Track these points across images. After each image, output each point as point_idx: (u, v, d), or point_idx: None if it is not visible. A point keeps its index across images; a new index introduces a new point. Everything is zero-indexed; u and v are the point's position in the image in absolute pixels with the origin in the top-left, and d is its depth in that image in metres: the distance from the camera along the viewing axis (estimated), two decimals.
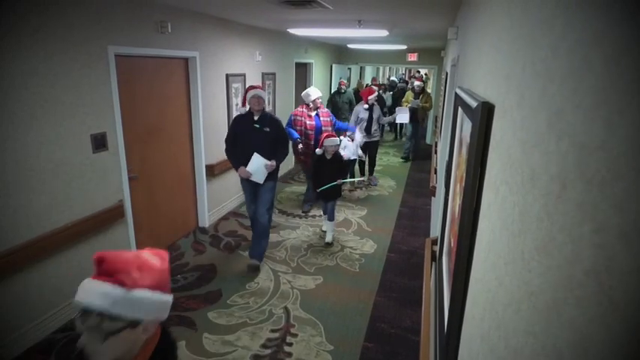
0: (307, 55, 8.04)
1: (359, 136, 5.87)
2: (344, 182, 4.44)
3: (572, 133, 0.41)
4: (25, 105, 2.58)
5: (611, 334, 0.29)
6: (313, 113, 5.11)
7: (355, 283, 3.76)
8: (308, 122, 5.08)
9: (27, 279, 2.73)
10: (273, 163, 3.71)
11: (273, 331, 3.03)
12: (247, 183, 3.82)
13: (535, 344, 0.46)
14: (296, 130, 5.09)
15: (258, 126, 3.66)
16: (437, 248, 2.44)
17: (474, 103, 1.07)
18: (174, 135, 4.31)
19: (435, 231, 3.45)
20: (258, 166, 3.69)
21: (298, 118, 5.12)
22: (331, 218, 4.56)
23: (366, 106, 6.35)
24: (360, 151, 5.88)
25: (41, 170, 2.73)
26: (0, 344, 2.60)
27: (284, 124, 4.72)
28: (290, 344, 2.89)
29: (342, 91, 8.36)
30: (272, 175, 3.83)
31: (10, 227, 2.57)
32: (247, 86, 3.83)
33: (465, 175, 1.14)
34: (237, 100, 5.35)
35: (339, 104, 8.36)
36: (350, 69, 11.46)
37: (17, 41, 2.48)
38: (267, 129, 3.68)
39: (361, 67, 12.92)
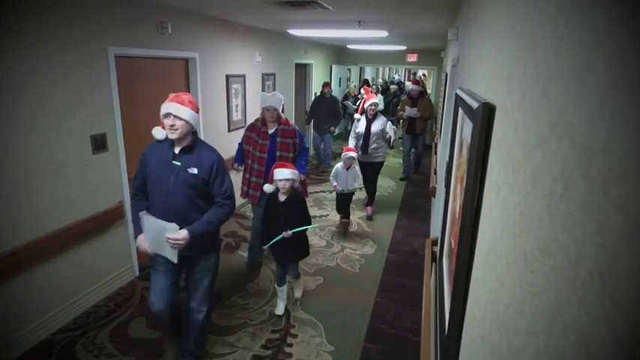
0: (307, 55, 8.05)
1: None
2: (297, 231, 3.01)
3: (574, 134, 0.41)
4: (25, 105, 2.58)
5: (614, 334, 0.30)
6: (271, 130, 3.57)
7: (355, 284, 3.76)
8: (260, 142, 3.57)
9: (28, 280, 2.73)
10: (182, 235, 2.12)
11: (273, 331, 3.03)
12: (161, 256, 2.28)
13: (537, 345, 0.46)
14: (245, 152, 3.67)
15: (178, 163, 2.22)
16: (437, 249, 2.44)
17: (474, 104, 1.07)
18: None
19: (435, 231, 3.45)
20: (153, 235, 2.18)
21: (249, 134, 3.65)
22: (297, 274, 3.40)
23: (358, 116, 5.14)
24: (358, 182, 4.66)
25: (42, 172, 2.73)
26: (1, 344, 2.60)
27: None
28: (290, 345, 2.89)
29: (327, 96, 7.19)
30: (210, 244, 2.39)
31: (11, 228, 2.57)
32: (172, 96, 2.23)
33: (465, 175, 1.14)
34: (237, 101, 5.34)
35: (320, 113, 7.22)
36: (350, 69, 11.46)
37: (17, 41, 2.48)
38: (195, 170, 2.22)
39: (361, 68, 12.92)
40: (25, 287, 2.72)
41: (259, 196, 3.55)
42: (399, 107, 7.40)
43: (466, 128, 1.31)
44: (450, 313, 1.15)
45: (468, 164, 1.09)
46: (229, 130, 5.18)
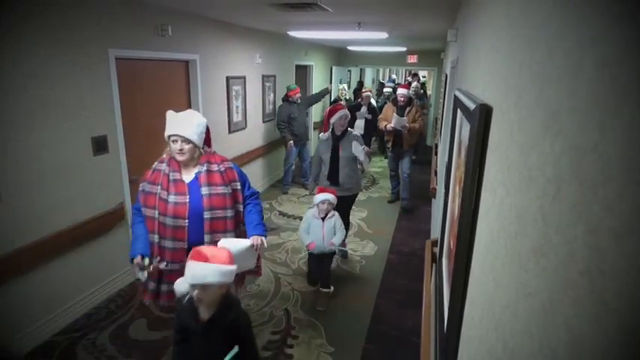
0: (307, 57, 8.05)
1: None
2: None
3: (566, 135, 0.41)
4: (25, 106, 2.58)
5: (605, 334, 0.30)
6: (188, 175, 2.21)
7: (356, 285, 3.76)
8: (172, 198, 2.14)
9: (28, 281, 2.73)
10: None
11: (273, 333, 3.02)
12: None
13: (532, 345, 0.46)
14: (148, 222, 2.18)
15: None
16: (437, 250, 2.44)
17: (472, 105, 1.07)
18: None
19: (435, 232, 3.45)
20: None
21: (148, 189, 2.18)
22: None
23: (324, 135, 3.73)
24: (339, 236, 3.27)
25: (43, 173, 2.74)
26: (2, 346, 2.60)
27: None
28: (291, 346, 2.89)
29: (299, 102, 5.78)
30: None
31: (11, 230, 2.58)
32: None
33: (463, 177, 1.14)
34: (237, 103, 5.35)
35: (299, 121, 5.71)
36: (350, 71, 11.45)
37: (17, 41, 2.49)
38: None
39: (361, 69, 12.92)
40: (26, 289, 2.72)
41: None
42: (379, 117, 5.78)
43: (464, 129, 1.31)
44: (449, 314, 1.15)
45: (466, 165, 1.09)
46: (230, 132, 5.22)
